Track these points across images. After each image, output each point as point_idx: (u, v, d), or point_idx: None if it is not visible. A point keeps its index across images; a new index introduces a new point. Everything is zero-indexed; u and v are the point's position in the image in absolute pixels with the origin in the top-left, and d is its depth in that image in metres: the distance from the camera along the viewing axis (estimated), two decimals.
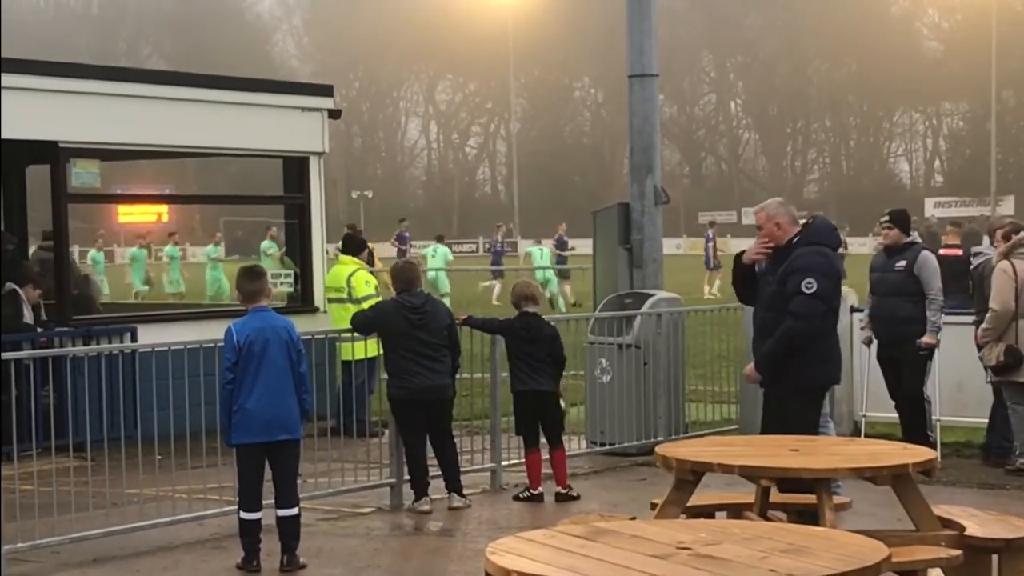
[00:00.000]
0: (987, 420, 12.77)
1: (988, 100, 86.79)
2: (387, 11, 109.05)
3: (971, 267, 12.95)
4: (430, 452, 11.22)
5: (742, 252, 9.74)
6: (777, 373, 9.36)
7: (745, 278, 9.79)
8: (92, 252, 37.47)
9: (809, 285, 9.17)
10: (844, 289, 12.35)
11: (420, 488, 11.05)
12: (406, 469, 11.19)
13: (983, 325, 11.97)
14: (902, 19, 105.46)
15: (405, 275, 11.27)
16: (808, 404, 9.35)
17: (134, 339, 14.04)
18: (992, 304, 11.91)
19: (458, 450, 11.46)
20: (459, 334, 11.37)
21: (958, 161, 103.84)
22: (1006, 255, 11.97)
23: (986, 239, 18.67)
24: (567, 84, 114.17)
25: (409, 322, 10.93)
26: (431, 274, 34.46)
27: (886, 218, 12.91)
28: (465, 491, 11.30)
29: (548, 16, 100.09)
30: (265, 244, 34.54)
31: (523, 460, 11.72)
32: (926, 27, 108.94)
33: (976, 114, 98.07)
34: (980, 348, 12.40)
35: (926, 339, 12.37)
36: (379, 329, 11.37)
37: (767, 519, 7.86)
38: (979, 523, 7.77)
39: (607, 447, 13.43)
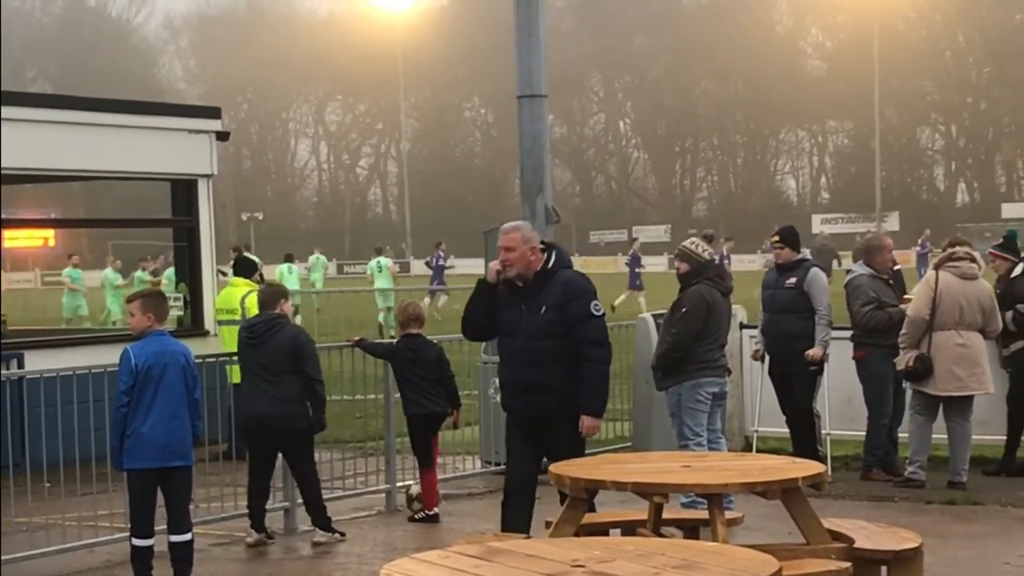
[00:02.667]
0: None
1: (872, 118, 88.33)
2: (275, 32, 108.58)
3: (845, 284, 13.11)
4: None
5: (484, 278, 9.19)
6: (550, 401, 8.97)
7: (487, 307, 9.19)
8: (68, 269, 37.08)
9: (597, 307, 8.97)
10: (733, 306, 12.52)
11: (251, 518, 10.72)
12: (298, 492, 11.07)
13: (901, 330, 12.17)
14: (787, 38, 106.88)
15: (260, 296, 11.14)
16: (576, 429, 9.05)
17: (20, 365, 13.83)
18: (908, 310, 12.14)
19: (353, 471, 11.37)
20: (314, 360, 10.58)
21: (844, 178, 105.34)
22: (938, 266, 12.24)
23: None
24: (457, 104, 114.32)
25: (243, 342, 10.71)
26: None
27: (776, 237, 13.08)
28: (360, 513, 11.23)
29: (437, 36, 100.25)
30: (139, 274, 34.39)
31: (418, 481, 11.69)
32: (810, 46, 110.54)
33: (860, 132, 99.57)
34: (856, 362, 12.66)
35: (812, 352, 12.54)
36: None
37: (660, 535, 7.91)
38: (868, 535, 7.89)
39: (501, 466, 13.41)
